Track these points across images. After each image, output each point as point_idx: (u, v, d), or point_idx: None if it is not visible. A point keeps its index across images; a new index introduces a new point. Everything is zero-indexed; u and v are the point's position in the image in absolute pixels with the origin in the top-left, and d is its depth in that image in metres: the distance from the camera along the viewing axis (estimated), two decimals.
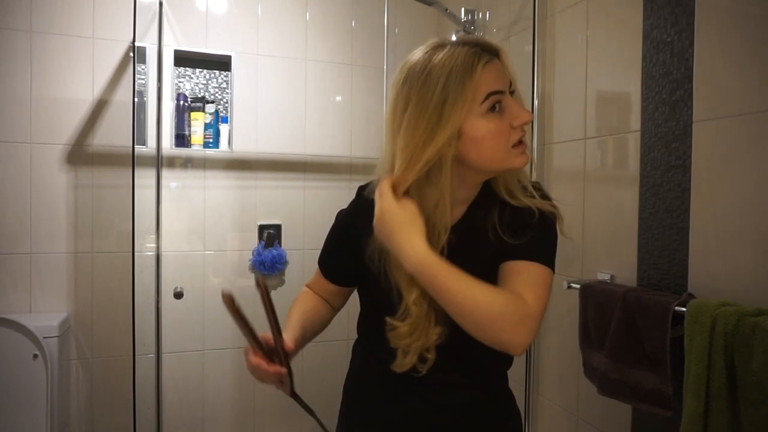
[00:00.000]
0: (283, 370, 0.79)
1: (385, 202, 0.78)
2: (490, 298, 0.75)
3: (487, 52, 0.78)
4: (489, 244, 0.84)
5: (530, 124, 1.64)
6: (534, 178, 1.64)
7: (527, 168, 0.87)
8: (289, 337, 0.85)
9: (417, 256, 0.76)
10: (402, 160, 0.77)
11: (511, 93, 0.81)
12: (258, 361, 0.78)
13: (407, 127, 0.77)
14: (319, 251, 1.00)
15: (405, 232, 0.77)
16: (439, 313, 0.79)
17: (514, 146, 0.79)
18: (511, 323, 0.74)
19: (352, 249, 0.89)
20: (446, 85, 0.75)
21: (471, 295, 0.74)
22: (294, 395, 0.84)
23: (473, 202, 0.88)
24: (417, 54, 0.80)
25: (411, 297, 0.79)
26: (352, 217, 0.93)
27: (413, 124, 0.76)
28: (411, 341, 0.80)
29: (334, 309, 1.02)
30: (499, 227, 0.84)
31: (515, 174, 0.86)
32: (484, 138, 0.77)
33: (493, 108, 0.78)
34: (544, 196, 0.88)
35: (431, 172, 0.79)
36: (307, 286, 1.03)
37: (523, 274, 0.81)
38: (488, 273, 0.84)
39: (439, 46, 0.79)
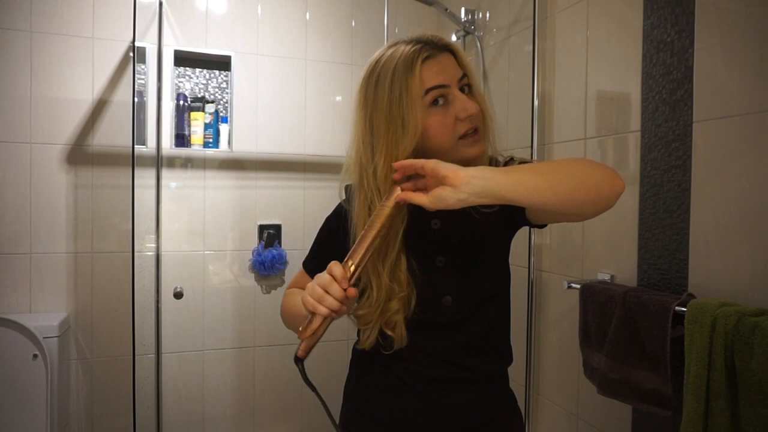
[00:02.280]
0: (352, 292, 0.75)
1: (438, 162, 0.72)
2: (568, 161, 0.76)
3: (431, 47, 0.81)
4: (476, 221, 0.87)
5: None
6: None
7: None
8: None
9: (496, 171, 0.71)
10: (384, 161, 0.80)
11: (468, 86, 0.83)
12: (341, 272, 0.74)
13: (374, 129, 0.81)
14: None
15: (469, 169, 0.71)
16: (394, 288, 0.82)
17: (463, 137, 0.82)
18: (606, 170, 0.74)
19: (336, 252, 0.90)
20: (393, 84, 0.79)
21: (558, 167, 0.74)
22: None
23: None
24: (375, 54, 0.84)
25: (370, 271, 0.82)
26: (334, 224, 0.95)
27: (377, 126, 0.80)
28: (369, 316, 0.83)
29: None
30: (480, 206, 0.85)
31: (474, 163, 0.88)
32: (427, 130, 0.80)
33: (435, 102, 0.80)
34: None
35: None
36: (289, 288, 1.03)
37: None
38: (479, 247, 0.87)
39: (392, 45, 0.83)
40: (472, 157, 0.83)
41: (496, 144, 0.89)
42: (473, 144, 0.83)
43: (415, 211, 0.89)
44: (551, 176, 0.72)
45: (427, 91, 0.79)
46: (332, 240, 0.94)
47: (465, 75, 0.83)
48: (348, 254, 0.77)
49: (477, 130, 0.83)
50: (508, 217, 0.89)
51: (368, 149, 0.82)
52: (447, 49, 0.83)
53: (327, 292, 0.74)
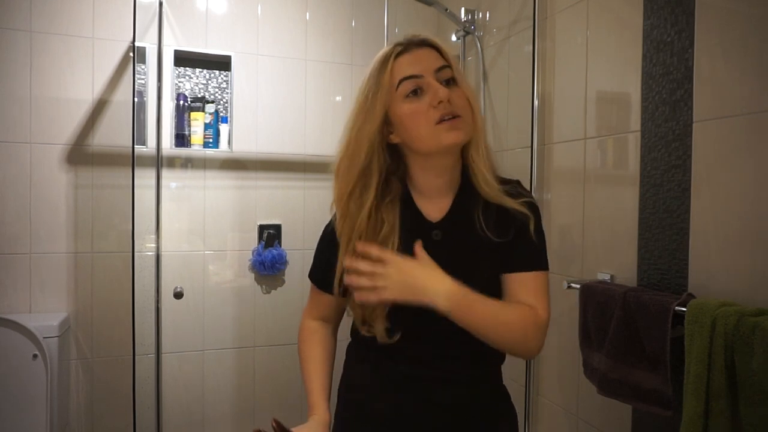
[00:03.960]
0: None
1: (399, 264, 0.82)
2: (512, 318, 0.84)
3: (406, 43, 0.86)
4: (478, 237, 0.87)
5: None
6: (534, 178, 1.64)
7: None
8: (323, 408, 0.92)
9: (452, 296, 0.80)
10: (345, 152, 0.88)
11: (452, 80, 0.85)
12: None
13: (347, 123, 0.88)
14: None
15: (430, 279, 0.81)
16: None
17: (439, 123, 0.83)
18: (532, 338, 0.85)
19: (335, 257, 0.91)
20: (368, 80, 0.85)
21: (498, 320, 0.83)
22: None
23: (457, 195, 0.90)
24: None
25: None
26: (329, 230, 0.97)
27: (350, 120, 0.87)
28: (362, 311, 0.87)
29: (336, 329, 1.05)
30: (484, 224, 0.87)
31: (485, 166, 0.88)
32: (403, 119, 0.85)
33: (415, 92, 0.84)
34: (521, 194, 0.91)
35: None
36: (306, 315, 1.04)
37: (529, 285, 0.88)
38: (478, 262, 0.88)
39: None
40: (449, 144, 0.84)
41: (487, 141, 0.90)
42: (450, 129, 0.83)
43: (417, 218, 0.89)
44: (489, 323, 0.82)
45: (400, 81, 0.83)
46: (329, 247, 0.95)
47: (447, 67, 0.85)
48: None
49: (456, 116, 0.83)
50: (507, 253, 0.89)
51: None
52: (425, 44, 0.86)
53: None
